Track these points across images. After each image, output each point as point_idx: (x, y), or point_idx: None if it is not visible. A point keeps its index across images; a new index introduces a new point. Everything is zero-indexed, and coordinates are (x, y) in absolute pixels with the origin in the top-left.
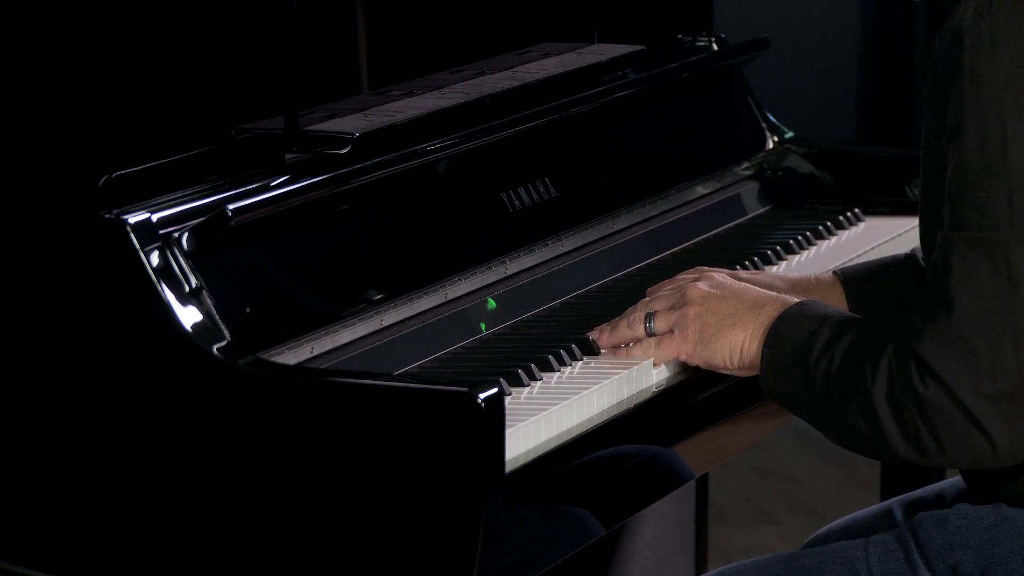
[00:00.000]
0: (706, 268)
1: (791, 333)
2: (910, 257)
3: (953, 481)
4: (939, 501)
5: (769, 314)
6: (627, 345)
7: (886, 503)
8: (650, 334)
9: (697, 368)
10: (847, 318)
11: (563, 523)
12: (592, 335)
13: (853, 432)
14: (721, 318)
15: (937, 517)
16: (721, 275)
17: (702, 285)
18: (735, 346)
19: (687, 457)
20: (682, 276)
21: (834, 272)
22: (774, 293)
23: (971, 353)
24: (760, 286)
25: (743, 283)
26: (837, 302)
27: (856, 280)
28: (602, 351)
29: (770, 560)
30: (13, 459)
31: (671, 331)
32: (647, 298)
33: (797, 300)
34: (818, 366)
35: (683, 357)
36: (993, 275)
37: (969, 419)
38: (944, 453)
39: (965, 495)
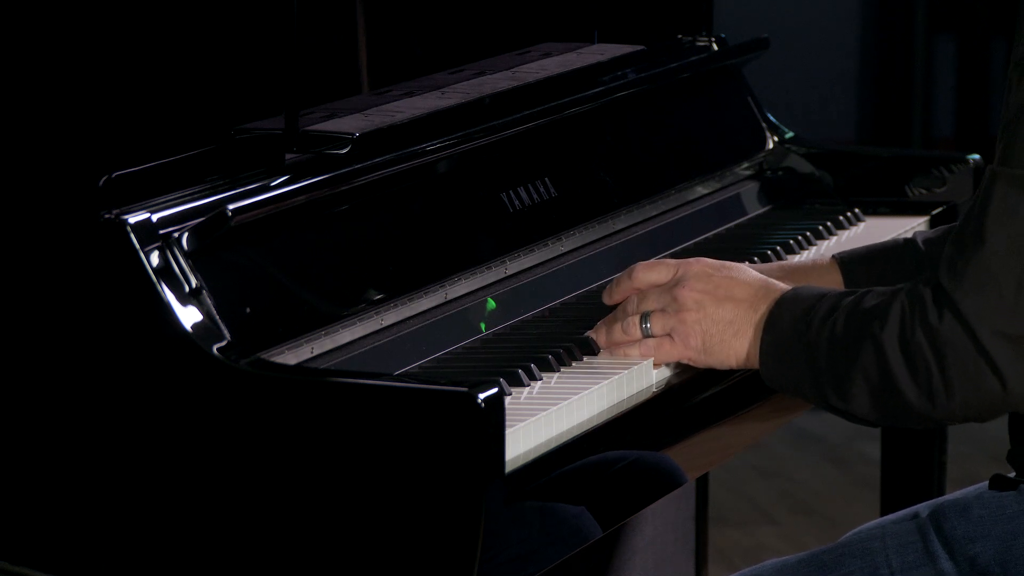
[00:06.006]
0: (673, 261)
1: (788, 313)
2: (910, 242)
3: (979, 487)
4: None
5: (764, 312)
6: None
7: (912, 508)
8: (646, 335)
9: (697, 368)
10: (844, 292)
11: (563, 523)
12: (591, 333)
13: (860, 394)
14: (722, 326)
15: (960, 506)
16: (701, 265)
17: (694, 286)
18: (740, 353)
19: (687, 457)
20: (647, 265)
21: (833, 256)
22: (765, 284)
23: (996, 290)
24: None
25: (727, 275)
26: (834, 284)
27: (854, 263)
28: (602, 351)
29: (788, 561)
30: (13, 459)
31: (670, 336)
32: (632, 290)
33: (790, 287)
34: (820, 333)
35: (686, 361)
36: None
37: (982, 356)
38: (953, 397)
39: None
